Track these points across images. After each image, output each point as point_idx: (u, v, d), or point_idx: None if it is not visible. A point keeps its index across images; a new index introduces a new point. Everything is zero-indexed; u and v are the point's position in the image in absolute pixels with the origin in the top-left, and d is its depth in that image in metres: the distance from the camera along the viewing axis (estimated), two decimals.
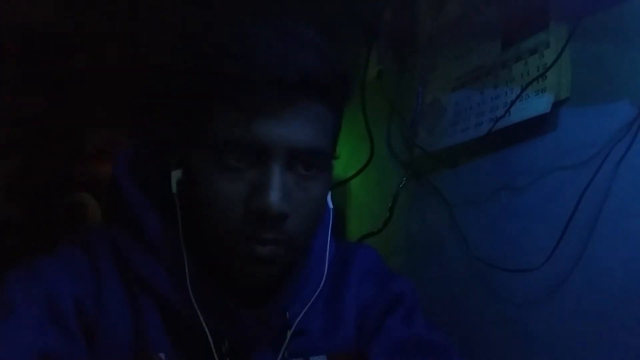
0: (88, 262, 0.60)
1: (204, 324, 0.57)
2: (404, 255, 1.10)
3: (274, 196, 0.52)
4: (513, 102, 0.84)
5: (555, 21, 0.80)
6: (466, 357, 0.89)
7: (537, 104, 0.80)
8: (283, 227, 0.54)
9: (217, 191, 0.54)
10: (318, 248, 0.66)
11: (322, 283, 0.64)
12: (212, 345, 0.57)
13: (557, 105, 0.79)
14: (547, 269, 0.77)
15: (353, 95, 0.60)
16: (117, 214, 0.62)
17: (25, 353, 0.53)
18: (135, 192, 0.61)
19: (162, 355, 0.57)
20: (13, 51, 1.48)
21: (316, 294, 0.63)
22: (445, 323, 0.94)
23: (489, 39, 0.91)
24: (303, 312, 0.62)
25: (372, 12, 1.21)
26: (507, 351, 0.85)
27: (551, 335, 0.77)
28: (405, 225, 1.09)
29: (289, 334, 0.61)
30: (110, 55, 1.52)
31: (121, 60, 1.52)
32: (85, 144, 1.60)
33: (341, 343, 0.65)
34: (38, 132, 1.59)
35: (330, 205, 0.67)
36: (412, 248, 1.08)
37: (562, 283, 0.76)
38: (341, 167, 1.29)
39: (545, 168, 0.81)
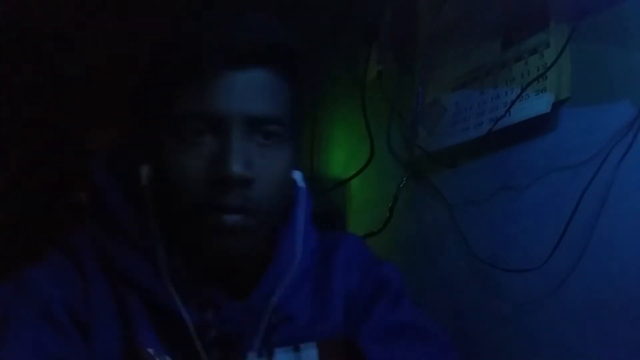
0: (72, 267, 0.60)
1: (187, 315, 0.58)
2: (404, 255, 1.09)
3: (235, 161, 0.54)
4: (513, 102, 0.84)
5: (555, 21, 0.80)
6: (466, 357, 0.89)
7: (537, 104, 0.80)
8: (248, 193, 0.56)
9: (180, 166, 0.56)
10: (295, 231, 0.65)
11: (305, 266, 0.65)
12: (197, 337, 0.58)
13: (557, 105, 0.79)
14: (547, 269, 0.77)
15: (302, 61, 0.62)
16: (96, 211, 0.63)
17: None
18: (108, 186, 0.63)
19: (150, 350, 0.57)
20: (13, 50, 1.48)
21: (292, 274, 0.63)
22: (445, 323, 0.94)
23: (489, 39, 0.91)
24: (285, 290, 0.63)
25: (372, 12, 1.21)
26: (507, 351, 0.85)
27: (551, 335, 0.77)
28: (405, 225, 1.09)
29: (272, 317, 0.61)
30: (111, 54, 1.52)
31: (122, 60, 1.52)
32: (85, 144, 1.60)
33: (330, 331, 0.65)
34: (38, 132, 1.59)
35: (301, 183, 0.67)
36: (412, 248, 1.08)
37: (562, 283, 0.76)
38: (341, 167, 1.29)
39: (545, 168, 0.81)
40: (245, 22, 0.58)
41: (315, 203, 0.71)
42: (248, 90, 0.56)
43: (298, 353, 0.62)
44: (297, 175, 0.67)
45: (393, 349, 0.65)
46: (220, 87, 0.55)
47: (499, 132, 0.86)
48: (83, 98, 1.57)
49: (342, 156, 1.31)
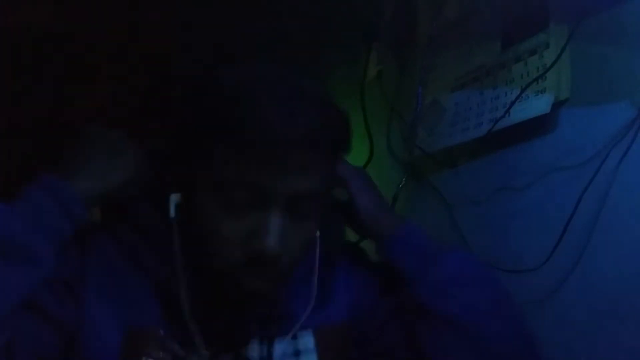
0: (74, 245, 0.61)
1: (188, 309, 0.60)
2: None
3: (272, 241, 0.55)
4: (513, 103, 0.84)
5: (554, 22, 0.80)
6: None
7: (537, 105, 0.80)
8: (279, 263, 0.58)
9: (217, 226, 0.57)
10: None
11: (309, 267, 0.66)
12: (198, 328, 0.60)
13: (556, 105, 0.79)
14: (547, 269, 0.77)
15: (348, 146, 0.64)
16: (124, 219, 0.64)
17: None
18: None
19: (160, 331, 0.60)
20: (15, 50, 1.48)
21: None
22: None
23: (489, 40, 0.91)
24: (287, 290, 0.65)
25: (372, 12, 1.21)
26: None
27: (550, 335, 0.77)
28: None
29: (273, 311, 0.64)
30: (112, 54, 1.52)
31: (124, 60, 1.52)
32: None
33: (328, 319, 0.67)
34: (39, 132, 1.59)
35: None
36: None
37: (562, 283, 0.76)
38: None
39: (544, 168, 0.81)
40: (300, 103, 0.57)
41: None
42: (296, 171, 0.57)
43: (295, 341, 0.65)
44: None
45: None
46: (268, 163, 0.56)
47: (498, 132, 0.86)
48: (84, 98, 1.57)
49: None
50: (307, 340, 0.65)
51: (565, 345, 0.75)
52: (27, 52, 1.42)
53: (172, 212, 0.60)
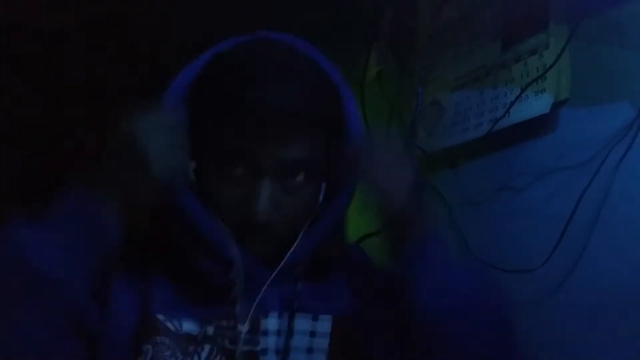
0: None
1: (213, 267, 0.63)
2: None
3: (261, 207, 0.61)
4: (513, 103, 0.84)
5: (554, 22, 0.80)
6: None
7: (537, 105, 0.81)
8: (269, 229, 0.62)
9: (216, 193, 0.63)
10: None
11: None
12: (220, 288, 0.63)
13: (556, 105, 0.79)
14: (547, 269, 0.77)
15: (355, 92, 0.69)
16: None
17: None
18: None
19: (160, 316, 0.62)
20: (13, 50, 1.48)
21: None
22: None
23: (489, 40, 0.91)
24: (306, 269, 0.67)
25: (372, 12, 1.21)
26: None
27: (550, 335, 0.78)
28: None
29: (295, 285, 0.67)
30: (112, 54, 1.52)
31: (123, 60, 1.52)
32: (85, 144, 1.60)
33: (344, 309, 0.69)
34: (38, 132, 1.59)
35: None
36: None
37: (562, 283, 0.76)
38: None
39: (544, 168, 0.81)
40: (292, 82, 0.63)
41: None
42: (281, 140, 0.62)
43: (315, 322, 0.67)
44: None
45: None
46: (258, 135, 0.61)
47: (498, 132, 0.86)
48: (84, 98, 1.57)
49: None
50: (326, 325, 0.67)
51: (565, 345, 0.75)
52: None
53: (192, 177, 0.64)
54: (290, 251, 0.65)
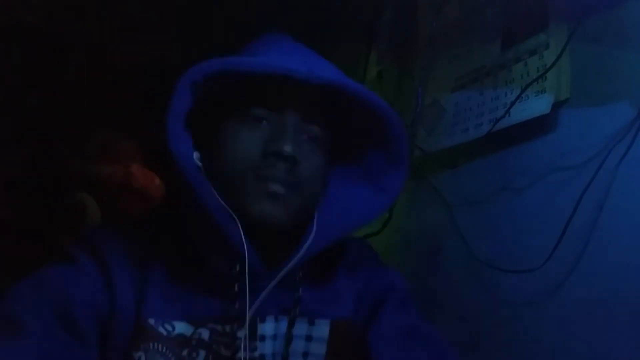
0: (94, 262, 0.62)
1: (215, 264, 0.64)
2: (404, 255, 1.10)
3: (289, 141, 0.62)
4: (513, 103, 0.84)
5: (555, 22, 0.80)
6: (465, 358, 0.89)
7: (537, 105, 0.80)
8: (294, 171, 0.63)
9: (239, 137, 0.64)
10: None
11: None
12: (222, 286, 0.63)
13: (556, 106, 0.79)
14: (547, 269, 0.77)
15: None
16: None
17: None
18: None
19: (151, 320, 0.61)
20: (12, 50, 1.48)
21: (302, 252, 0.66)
22: (445, 323, 0.94)
23: (489, 40, 0.91)
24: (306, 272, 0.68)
25: (372, 12, 1.21)
26: (506, 352, 0.85)
27: (550, 335, 0.77)
28: (405, 225, 1.09)
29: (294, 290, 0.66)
30: (112, 54, 1.52)
31: (122, 60, 1.52)
32: (85, 144, 1.60)
33: (341, 314, 0.70)
34: (37, 131, 1.59)
35: None
36: (412, 248, 1.08)
37: (562, 283, 0.76)
38: None
39: (545, 169, 0.81)
40: (311, 55, 0.69)
41: None
42: (304, 100, 0.66)
43: (312, 327, 0.67)
44: None
45: (402, 351, 0.68)
46: (283, 92, 0.65)
47: (498, 132, 0.86)
48: (83, 98, 1.57)
49: None
50: (323, 329, 0.67)
51: (565, 345, 0.75)
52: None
53: (198, 162, 0.64)
54: (295, 259, 0.64)
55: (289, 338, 0.65)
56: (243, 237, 0.61)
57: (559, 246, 0.76)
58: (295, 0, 1.24)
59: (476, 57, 0.94)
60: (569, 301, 0.75)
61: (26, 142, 1.61)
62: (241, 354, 0.61)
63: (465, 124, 0.94)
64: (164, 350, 0.61)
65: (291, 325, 0.65)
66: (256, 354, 0.63)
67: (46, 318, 0.57)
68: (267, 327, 0.65)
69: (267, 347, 0.64)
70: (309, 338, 0.67)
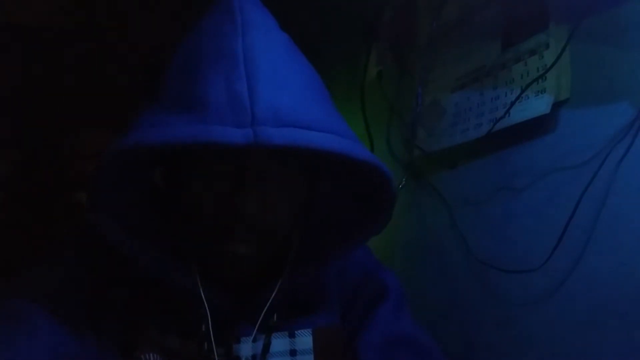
0: (85, 268, 0.62)
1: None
2: (403, 255, 1.10)
3: (249, 198, 0.57)
4: (513, 103, 0.84)
5: (554, 22, 0.80)
6: (465, 358, 0.89)
7: (537, 105, 0.80)
8: (259, 224, 0.59)
9: (198, 193, 0.59)
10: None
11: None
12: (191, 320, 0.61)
13: (556, 106, 0.79)
14: (547, 269, 0.77)
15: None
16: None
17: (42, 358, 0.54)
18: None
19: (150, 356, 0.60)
20: (10, 49, 1.48)
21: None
22: (444, 324, 0.94)
23: (489, 40, 0.91)
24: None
25: (372, 12, 1.21)
26: (506, 352, 0.85)
27: (551, 336, 0.77)
28: (405, 225, 1.09)
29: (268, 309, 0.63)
30: (110, 53, 1.52)
31: (121, 60, 1.52)
32: (84, 144, 1.60)
33: (325, 321, 0.67)
34: (36, 132, 1.59)
35: None
36: (411, 249, 1.08)
37: (562, 284, 0.76)
38: None
39: (545, 169, 0.81)
40: None
41: None
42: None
43: (293, 339, 0.64)
44: None
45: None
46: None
47: (498, 133, 0.86)
48: (83, 98, 1.57)
49: None
50: (306, 340, 0.65)
51: (565, 346, 0.75)
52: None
53: (158, 180, 0.62)
54: (270, 300, 0.62)
55: (264, 355, 0.62)
56: (204, 298, 0.59)
57: (559, 246, 0.76)
58: (295, 0, 1.24)
59: (476, 57, 0.94)
60: (568, 301, 0.75)
61: (26, 142, 1.61)
62: None
63: (465, 124, 0.94)
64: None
65: (266, 348, 0.62)
66: None
67: (46, 314, 0.57)
68: (243, 348, 0.62)
69: None
70: (293, 353, 0.64)
